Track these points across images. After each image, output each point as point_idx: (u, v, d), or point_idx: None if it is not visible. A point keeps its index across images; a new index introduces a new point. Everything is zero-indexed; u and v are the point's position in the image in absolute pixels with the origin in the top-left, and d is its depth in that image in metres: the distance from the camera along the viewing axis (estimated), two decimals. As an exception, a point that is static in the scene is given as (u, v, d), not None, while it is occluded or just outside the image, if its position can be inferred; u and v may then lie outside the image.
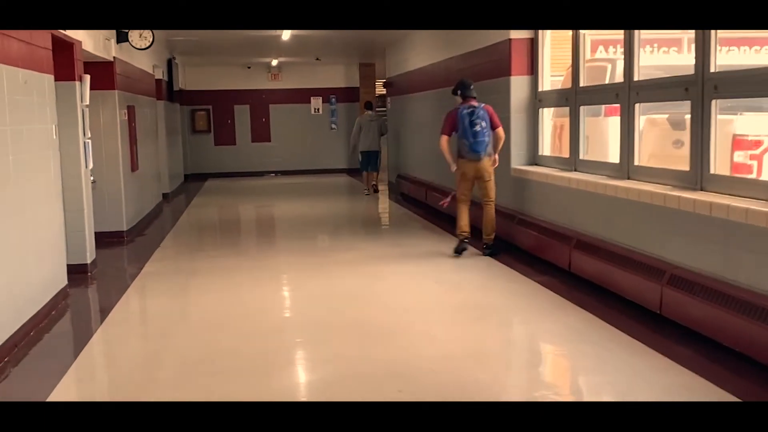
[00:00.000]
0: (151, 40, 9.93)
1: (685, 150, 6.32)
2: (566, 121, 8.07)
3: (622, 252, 5.93)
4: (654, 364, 4.64)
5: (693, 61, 5.45)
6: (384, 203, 13.81)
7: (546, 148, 8.34)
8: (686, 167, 5.64)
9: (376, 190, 14.81)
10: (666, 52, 8.30)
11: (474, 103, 7.88)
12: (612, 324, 5.40)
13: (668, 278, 5.19)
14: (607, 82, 7.62)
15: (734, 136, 5.98)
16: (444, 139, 7.99)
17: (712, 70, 5.22)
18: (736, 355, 4.55)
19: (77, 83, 7.52)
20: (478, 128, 7.71)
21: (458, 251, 8.02)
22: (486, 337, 5.47)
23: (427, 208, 11.75)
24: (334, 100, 20.13)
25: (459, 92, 8.00)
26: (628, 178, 6.36)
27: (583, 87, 7.29)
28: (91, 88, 7.84)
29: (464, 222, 8.05)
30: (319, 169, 19.83)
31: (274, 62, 18.88)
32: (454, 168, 8.05)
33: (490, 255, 7.95)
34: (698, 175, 5.40)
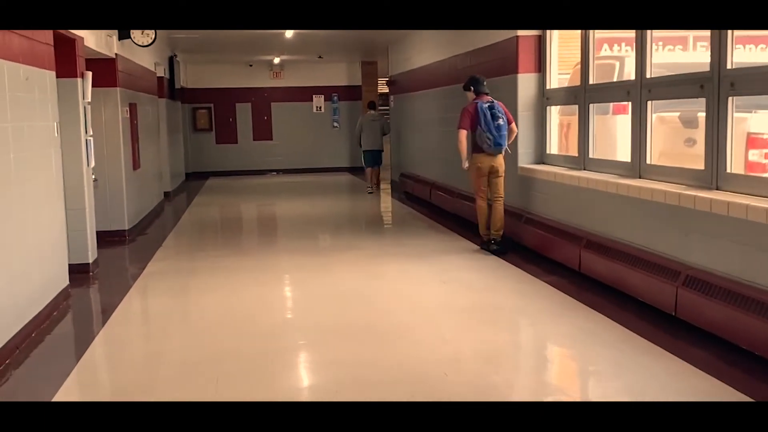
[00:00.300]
0: (153, 37, 9.83)
1: (697, 149, 6.22)
2: (573, 119, 7.97)
3: (634, 252, 5.82)
4: (670, 367, 4.55)
5: (699, 59, 5.36)
6: (387, 202, 13.72)
7: (553, 147, 8.24)
8: (699, 166, 5.54)
9: (377, 188, 14.76)
10: (671, 50, 8.21)
11: (489, 98, 7.87)
12: (625, 326, 5.30)
13: (684, 279, 5.08)
14: (615, 79, 7.52)
15: (749, 134, 5.87)
16: (463, 133, 7.91)
17: (728, 66, 5.11)
18: (756, 358, 4.44)
19: (79, 80, 7.42)
20: (500, 122, 7.76)
21: (493, 251, 7.97)
22: (497, 339, 5.36)
23: (432, 207, 11.65)
24: (336, 98, 20.02)
25: (472, 88, 7.99)
26: (640, 177, 6.25)
27: (592, 85, 7.18)
28: (93, 86, 7.73)
29: (485, 223, 8.04)
30: (321, 167, 19.73)
31: (276, 60, 18.76)
32: (466, 165, 7.97)
33: (498, 253, 7.87)
34: (713, 174, 5.29)
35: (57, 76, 6.56)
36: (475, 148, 7.90)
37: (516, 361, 5.05)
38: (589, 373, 4.77)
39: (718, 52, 5.18)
